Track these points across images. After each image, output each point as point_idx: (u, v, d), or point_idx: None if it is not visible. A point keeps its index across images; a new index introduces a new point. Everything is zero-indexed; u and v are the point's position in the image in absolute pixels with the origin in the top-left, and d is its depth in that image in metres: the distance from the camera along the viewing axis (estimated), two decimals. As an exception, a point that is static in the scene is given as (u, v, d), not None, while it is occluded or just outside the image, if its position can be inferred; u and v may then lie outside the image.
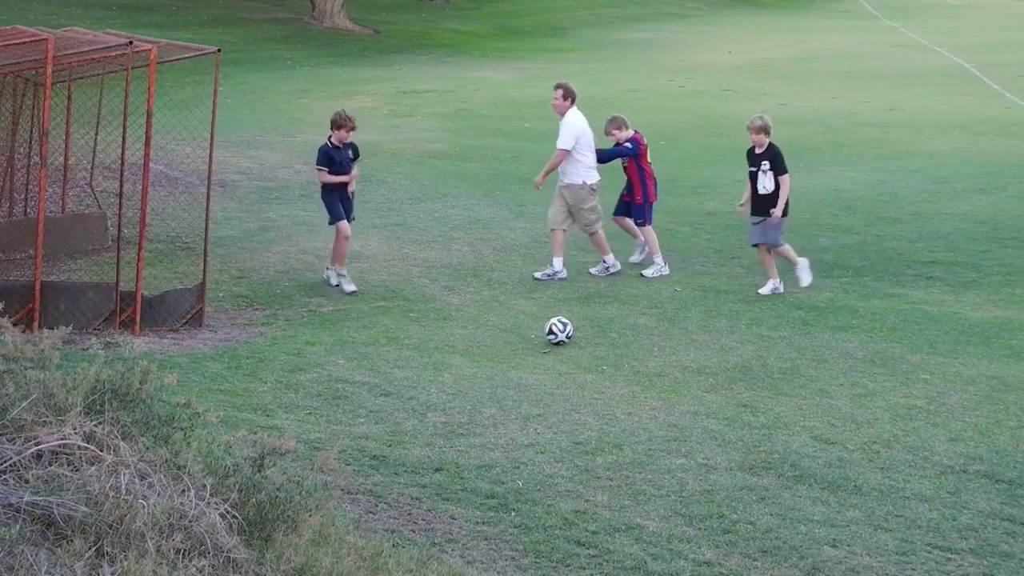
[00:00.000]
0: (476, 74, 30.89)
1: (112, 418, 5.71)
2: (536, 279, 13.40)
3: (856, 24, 46.11)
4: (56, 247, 13.27)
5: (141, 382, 5.85)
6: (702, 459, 8.69)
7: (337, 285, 12.91)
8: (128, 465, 5.42)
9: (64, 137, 14.09)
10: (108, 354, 6.04)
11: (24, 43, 11.41)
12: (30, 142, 13.98)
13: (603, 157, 13.87)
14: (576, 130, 13.59)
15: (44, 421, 5.52)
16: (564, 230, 13.63)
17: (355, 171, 13.26)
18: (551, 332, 11.26)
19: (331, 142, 13.07)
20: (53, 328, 6.25)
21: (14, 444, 5.41)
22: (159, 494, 5.32)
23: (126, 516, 5.12)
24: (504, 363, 10.74)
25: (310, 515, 5.86)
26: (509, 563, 7.05)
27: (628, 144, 13.94)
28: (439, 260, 14.14)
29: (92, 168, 14.78)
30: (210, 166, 12.38)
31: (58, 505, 5.12)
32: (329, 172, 13.06)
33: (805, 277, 13.34)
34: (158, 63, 11.36)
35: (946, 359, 11.10)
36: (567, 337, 11.24)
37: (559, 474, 8.35)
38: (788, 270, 13.35)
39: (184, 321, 11.59)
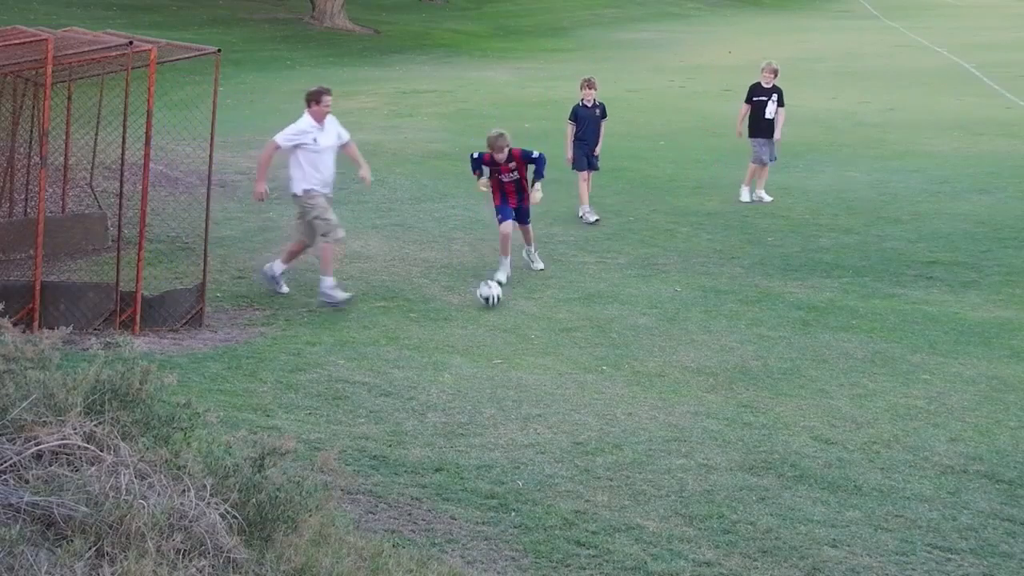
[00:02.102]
0: (476, 74, 30.90)
1: (112, 418, 5.71)
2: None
3: (856, 24, 46.15)
4: (56, 247, 13.26)
5: (141, 382, 5.85)
6: (702, 459, 8.69)
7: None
8: (128, 465, 5.42)
9: (64, 137, 14.09)
10: (108, 354, 6.04)
11: (24, 43, 11.41)
12: (30, 142, 13.97)
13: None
14: None
15: (44, 421, 5.52)
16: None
17: None
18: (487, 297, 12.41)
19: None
20: (53, 328, 6.25)
21: (14, 444, 5.41)
22: (159, 494, 5.32)
23: (126, 516, 5.12)
24: (504, 363, 10.74)
25: (310, 515, 5.85)
26: (509, 563, 7.05)
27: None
28: (439, 260, 14.14)
29: (92, 168, 14.78)
30: (210, 166, 12.39)
31: (58, 505, 5.12)
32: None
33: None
34: (158, 63, 11.35)
35: (946, 359, 11.10)
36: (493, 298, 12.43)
37: (559, 474, 8.34)
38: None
39: (184, 321, 11.59)
